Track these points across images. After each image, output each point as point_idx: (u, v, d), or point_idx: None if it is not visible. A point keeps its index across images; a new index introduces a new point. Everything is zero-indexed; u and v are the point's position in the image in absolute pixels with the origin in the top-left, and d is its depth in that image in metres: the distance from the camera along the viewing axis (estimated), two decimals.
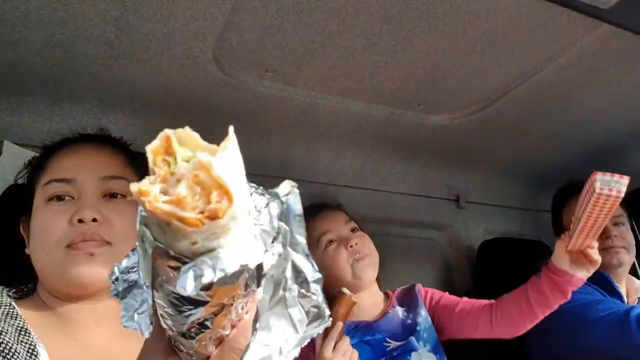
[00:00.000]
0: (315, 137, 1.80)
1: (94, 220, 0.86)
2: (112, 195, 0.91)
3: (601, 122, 1.81)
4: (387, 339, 1.34)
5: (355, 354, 1.16)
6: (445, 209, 2.20)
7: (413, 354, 1.34)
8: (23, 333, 0.77)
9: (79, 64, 1.27)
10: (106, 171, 0.93)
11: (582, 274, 1.22)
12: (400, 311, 1.43)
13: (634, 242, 1.72)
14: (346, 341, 1.16)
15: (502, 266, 2.00)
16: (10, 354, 0.71)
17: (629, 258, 1.68)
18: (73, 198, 0.89)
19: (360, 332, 1.35)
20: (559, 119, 1.78)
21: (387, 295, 1.49)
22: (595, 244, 1.18)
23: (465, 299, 1.46)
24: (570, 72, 1.45)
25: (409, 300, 1.47)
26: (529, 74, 1.46)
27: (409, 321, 1.40)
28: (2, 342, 0.72)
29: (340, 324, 1.17)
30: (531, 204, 2.13)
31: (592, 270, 1.21)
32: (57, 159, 0.94)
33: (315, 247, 1.44)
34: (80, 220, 0.85)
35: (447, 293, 1.51)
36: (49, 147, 0.99)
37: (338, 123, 1.69)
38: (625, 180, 1.04)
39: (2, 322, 0.76)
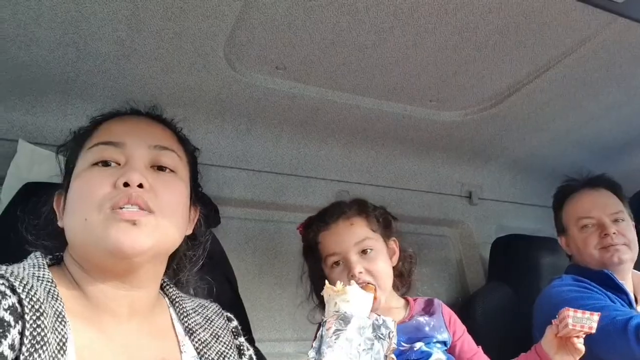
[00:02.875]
0: (327, 134, 1.80)
1: (140, 186, 0.79)
2: (160, 168, 0.86)
3: (615, 118, 1.78)
4: (402, 343, 1.32)
5: None
6: (458, 206, 2.19)
7: (430, 358, 1.31)
8: (60, 321, 0.70)
9: (91, 63, 1.28)
10: (156, 140, 0.87)
11: None
12: (421, 318, 1.38)
13: (636, 238, 1.69)
14: None
15: (516, 263, 1.99)
16: (42, 342, 0.64)
17: (630, 254, 1.65)
18: (119, 164, 0.83)
19: None
20: (573, 115, 1.75)
21: (407, 303, 1.44)
22: (583, 335, 1.23)
23: (480, 352, 1.40)
24: (584, 67, 1.44)
25: (430, 312, 1.41)
26: (542, 70, 1.44)
27: (427, 328, 1.35)
28: (40, 326, 0.66)
29: None
30: (545, 200, 2.10)
31: (577, 357, 1.26)
32: (104, 125, 0.89)
33: (323, 262, 1.39)
34: (126, 184, 0.78)
35: (466, 331, 1.44)
36: (97, 117, 0.93)
37: (349, 120, 1.68)
38: (596, 317, 1.14)
39: (44, 303, 0.69)
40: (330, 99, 1.54)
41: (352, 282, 0.70)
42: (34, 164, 1.32)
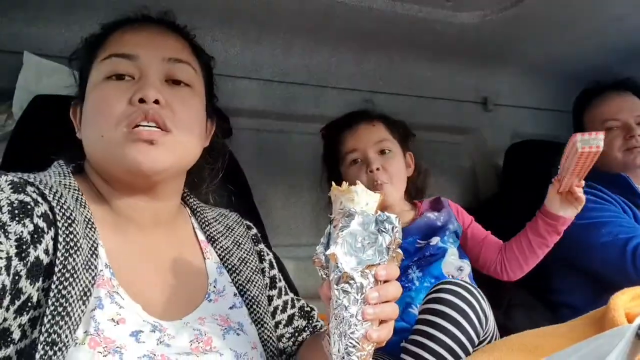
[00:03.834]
0: (338, 41, 1.74)
1: (156, 102, 0.78)
2: (175, 82, 0.84)
3: None
4: (418, 240, 1.38)
5: None
6: (473, 112, 2.15)
7: (446, 255, 1.37)
8: (89, 227, 0.72)
9: None
10: (170, 52, 0.85)
11: (571, 213, 1.32)
12: (430, 214, 1.44)
13: None
14: None
15: (531, 169, 1.98)
16: (76, 247, 0.67)
17: None
18: (133, 78, 0.81)
19: None
20: (597, 14, 1.66)
21: (414, 205, 1.50)
22: (582, 183, 1.26)
23: (490, 234, 1.48)
24: None
25: (438, 208, 1.48)
26: None
27: (439, 223, 1.42)
28: (72, 232, 0.68)
29: None
30: (563, 105, 2.06)
31: (579, 208, 1.31)
32: (117, 35, 0.86)
33: (342, 162, 1.45)
34: (141, 100, 0.77)
35: (474, 220, 1.52)
36: (108, 24, 0.89)
37: (361, 24, 1.62)
38: (601, 136, 1.15)
39: (74, 210, 0.70)
40: (342, 1, 1.47)
41: (358, 182, 0.71)
42: (41, 76, 1.30)
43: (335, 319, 0.66)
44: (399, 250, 0.70)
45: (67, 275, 0.64)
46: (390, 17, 1.57)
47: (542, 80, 2.21)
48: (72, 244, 0.67)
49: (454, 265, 1.36)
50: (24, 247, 0.62)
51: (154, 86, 0.79)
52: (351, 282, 0.66)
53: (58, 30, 1.40)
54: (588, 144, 1.16)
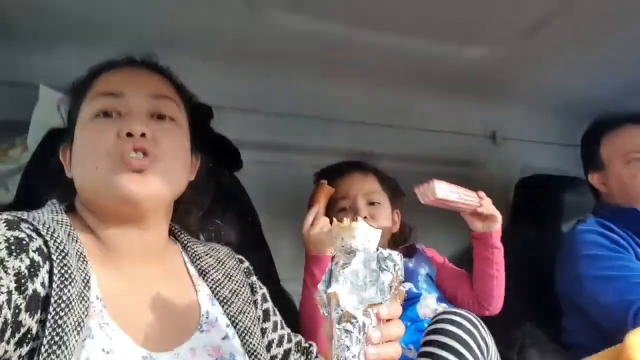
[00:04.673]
0: (347, 75, 1.76)
1: (143, 135, 0.82)
2: (160, 117, 0.88)
3: None
4: None
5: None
6: (481, 146, 2.16)
7: (420, 299, 1.37)
8: (81, 260, 0.75)
9: (106, 5, 1.26)
10: (155, 89, 0.90)
11: (495, 226, 1.38)
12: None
13: None
14: (323, 219, 1.34)
15: (542, 204, 1.97)
16: (70, 279, 0.69)
17: None
18: (120, 115, 0.85)
19: None
20: (606, 48, 1.67)
21: None
22: (482, 202, 1.34)
23: (464, 271, 1.51)
24: None
25: (411, 253, 1.51)
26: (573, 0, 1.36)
27: (410, 265, 1.44)
28: (66, 265, 0.70)
29: (317, 205, 1.37)
30: (571, 138, 2.05)
31: (499, 221, 1.38)
32: (103, 76, 0.91)
33: (332, 208, 1.47)
34: (129, 135, 0.81)
35: (447, 260, 1.56)
36: (94, 67, 0.94)
37: (370, 59, 1.64)
38: (434, 184, 1.24)
39: (67, 244, 0.73)
40: (351, 37, 1.49)
41: (359, 218, 0.71)
42: (57, 109, 1.32)
43: (338, 359, 0.65)
44: (402, 288, 0.70)
45: (63, 305, 0.66)
46: (398, 52, 1.60)
47: (551, 114, 2.22)
48: (66, 275, 0.69)
49: (430, 309, 1.36)
50: (23, 281, 0.65)
51: (140, 120, 0.84)
52: (353, 321, 0.65)
53: (74, 64, 1.42)
54: (425, 195, 1.25)
